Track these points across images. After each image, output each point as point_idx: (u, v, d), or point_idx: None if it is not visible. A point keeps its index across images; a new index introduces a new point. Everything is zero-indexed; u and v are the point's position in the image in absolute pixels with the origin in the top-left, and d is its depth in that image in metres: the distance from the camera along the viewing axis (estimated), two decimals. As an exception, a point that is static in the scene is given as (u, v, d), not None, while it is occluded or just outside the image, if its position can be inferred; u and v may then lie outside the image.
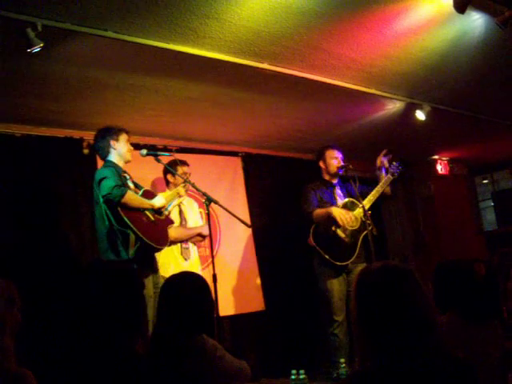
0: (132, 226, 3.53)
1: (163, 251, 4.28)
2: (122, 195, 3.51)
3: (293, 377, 3.58)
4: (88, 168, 4.50)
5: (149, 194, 3.86)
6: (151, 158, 3.95)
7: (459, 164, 7.91)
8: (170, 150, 5.05)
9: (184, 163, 4.42)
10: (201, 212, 4.84)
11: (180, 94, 4.28)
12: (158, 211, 3.81)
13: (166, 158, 4.17)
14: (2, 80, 3.66)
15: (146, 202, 3.72)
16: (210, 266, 3.60)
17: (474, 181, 8.62)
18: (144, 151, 3.88)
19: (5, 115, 4.27)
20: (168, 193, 4.04)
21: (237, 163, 5.82)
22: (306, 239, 4.54)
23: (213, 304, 2.27)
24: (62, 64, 3.54)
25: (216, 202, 3.70)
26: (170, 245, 4.32)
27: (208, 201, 3.68)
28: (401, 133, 5.87)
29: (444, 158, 7.64)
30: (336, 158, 4.67)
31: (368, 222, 4.33)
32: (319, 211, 4.49)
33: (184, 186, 4.08)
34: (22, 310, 2.05)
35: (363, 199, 4.45)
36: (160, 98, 4.31)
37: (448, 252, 7.03)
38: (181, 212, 4.49)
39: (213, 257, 3.63)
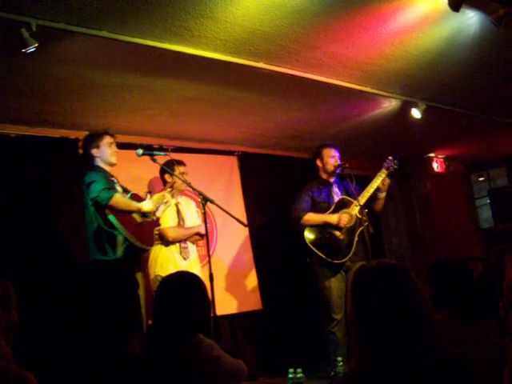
0: (119, 226, 3.64)
1: (163, 250, 4.30)
2: (110, 198, 3.62)
3: (290, 375, 3.58)
4: (83, 168, 4.48)
5: (136, 198, 3.94)
6: (147, 158, 3.95)
7: (455, 162, 7.92)
8: (165, 150, 5.04)
9: (181, 163, 4.43)
10: (198, 211, 4.84)
11: (176, 93, 4.27)
12: (145, 214, 3.89)
13: (161, 158, 4.19)
14: (-4, 80, 3.65)
15: (133, 205, 3.80)
16: (207, 266, 3.61)
17: (470, 178, 8.63)
18: (140, 151, 3.89)
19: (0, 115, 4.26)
20: (155, 196, 4.08)
21: (233, 162, 5.82)
22: (303, 238, 4.55)
23: (209, 304, 2.27)
24: (56, 64, 3.53)
25: (212, 202, 3.71)
26: (168, 245, 4.33)
27: (204, 200, 3.70)
28: (397, 131, 5.88)
29: (440, 156, 7.66)
30: (333, 156, 4.68)
31: (364, 218, 4.34)
32: (313, 219, 4.53)
33: (170, 191, 4.21)
34: (19, 311, 2.04)
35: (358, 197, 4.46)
36: (155, 97, 4.31)
37: (444, 250, 7.05)
38: (178, 212, 4.49)
39: (209, 256, 3.63)
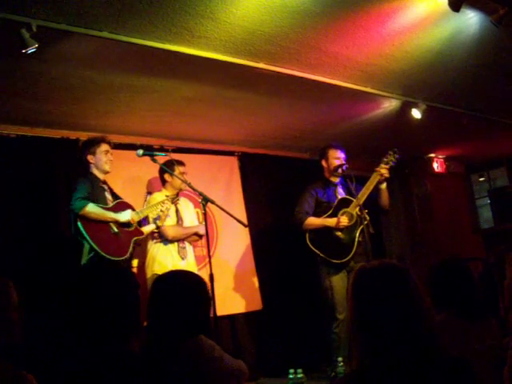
0: (87, 235, 3.69)
1: (161, 250, 4.30)
2: (81, 207, 3.71)
3: (290, 376, 3.59)
4: (84, 169, 4.48)
5: (122, 206, 3.99)
6: (147, 158, 3.96)
7: (455, 162, 7.92)
8: (166, 150, 5.05)
9: (180, 163, 4.43)
10: (197, 212, 4.84)
11: (176, 93, 4.27)
12: (125, 224, 3.92)
13: (162, 158, 4.20)
14: (-3, 81, 3.66)
15: (108, 216, 3.85)
16: (207, 266, 3.61)
17: (471, 179, 8.63)
18: (140, 151, 3.90)
19: (0, 116, 4.26)
20: (149, 206, 4.13)
21: (233, 163, 5.82)
22: (304, 238, 4.57)
23: (208, 303, 2.21)
24: (57, 65, 3.54)
25: (213, 202, 3.71)
26: (167, 243, 4.33)
27: (205, 201, 3.70)
28: (397, 131, 5.87)
29: (440, 156, 7.66)
30: (338, 157, 4.68)
31: (364, 216, 4.33)
32: (314, 223, 4.55)
33: (173, 200, 4.31)
34: (20, 310, 2.03)
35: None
36: (156, 98, 4.31)
37: (445, 250, 7.04)
38: (177, 211, 4.49)
39: (210, 256, 3.63)
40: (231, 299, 5.25)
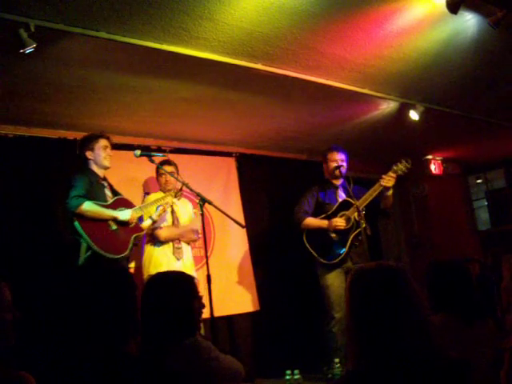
0: (84, 234, 3.62)
1: (156, 251, 4.29)
2: (77, 206, 3.63)
3: (287, 377, 3.59)
4: (82, 166, 4.48)
5: (122, 203, 3.94)
6: (144, 159, 3.95)
7: (453, 164, 7.93)
8: (163, 151, 5.06)
9: (170, 163, 4.40)
10: (195, 212, 4.83)
11: (174, 94, 4.27)
12: (123, 223, 3.85)
13: (159, 159, 4.19)
14: (-6, 81, 3.65)
15: (106, 214, 3.77)
16: (205, 267, 3.60)
17: (468, 180, 8.65)
18: (138, 152, 3.89)
19: (-2, 116, 4.26)
20: (148, 204, 4.11)
21: (231, 163, 5.82)
22: (301, 239, 4.63)
23: (193, 302, 2.17)
24: (54, 65, 3.53)
25: (210, 203, 3.71)
26: (161, 245, 4.32)
27: (202, 201, 3.69)
28: (394, 133, 5.88)
29: (438, 158, 7.66)
30: (335, 160, 4.72)
31: (361, 221, 4.34)
32: (311, 223, 4.66)
33: (176, 194, 4.25)
34: (21, 312, 2.02)
35: (358, 199, 4.44)
36: (154, 98, 4.31)
37: (442, 251, 7.06)
38: (173, 212, 4.48)
39: (207, 257, 3.62)
40: (228, 300, 5.24)
